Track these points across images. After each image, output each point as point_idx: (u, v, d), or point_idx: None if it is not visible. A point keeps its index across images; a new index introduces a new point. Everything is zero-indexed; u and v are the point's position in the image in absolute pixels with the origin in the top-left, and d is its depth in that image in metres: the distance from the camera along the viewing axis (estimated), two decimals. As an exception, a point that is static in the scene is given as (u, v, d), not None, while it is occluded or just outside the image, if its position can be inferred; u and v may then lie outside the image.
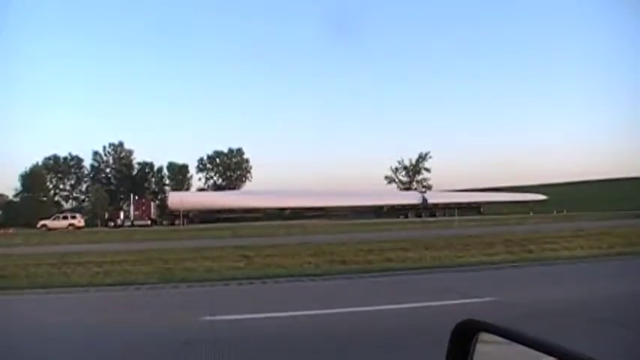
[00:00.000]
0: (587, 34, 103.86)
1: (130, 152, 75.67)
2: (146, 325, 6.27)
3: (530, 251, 13.76)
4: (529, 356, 1.08)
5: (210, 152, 77.82)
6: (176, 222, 52.03)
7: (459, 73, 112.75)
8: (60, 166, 72.78)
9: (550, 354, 1.04)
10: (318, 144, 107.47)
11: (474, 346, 1.24)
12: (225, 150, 77.87)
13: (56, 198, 72.40)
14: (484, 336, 1.23)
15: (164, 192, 69.87)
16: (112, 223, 52.95)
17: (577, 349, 1.01)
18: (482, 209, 61.91)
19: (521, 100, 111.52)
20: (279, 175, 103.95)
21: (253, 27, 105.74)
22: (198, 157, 77.39)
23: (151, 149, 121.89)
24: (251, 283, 9.73)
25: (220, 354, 4.79)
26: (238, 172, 78.13)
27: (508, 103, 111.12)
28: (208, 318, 6.37)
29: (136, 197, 58.09)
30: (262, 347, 5.11)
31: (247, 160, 78.58)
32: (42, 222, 48.77)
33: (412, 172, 78.62)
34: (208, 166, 77.70)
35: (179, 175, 74.40)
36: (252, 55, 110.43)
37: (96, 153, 74.60)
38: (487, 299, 7.09)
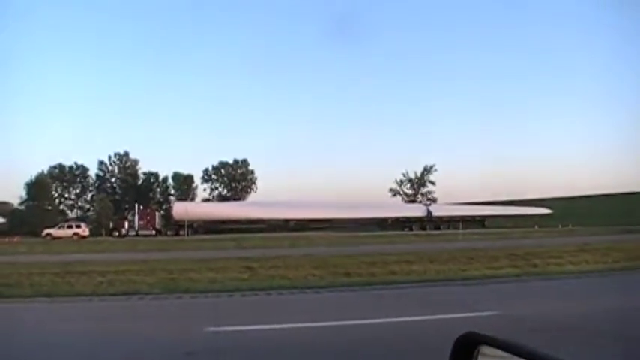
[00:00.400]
0: (595, 50, 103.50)
1: (136, 162, 75.78)
2: (149, 335, 6.27)
3: (535, 265, 13.68)
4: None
5: (215, 163, 77.70)
6: (180, 232, 51.91)
7: (466, 85, 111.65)
8: (65, 175, 72.93)
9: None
10: (323, 156, 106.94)
11: (476, 359, 1.25)
12: (231, 161, 77.80)
13: (61, 207, 72.35)
14: (485, 349, 1.24)
15: (169, 202, 69.76)
16: (117, 233, 52.82)
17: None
18: (486, 223, 61.53)
19: (528, 114, 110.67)
20: (284, 187, 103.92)
21: (258, 37, 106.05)
22: (203, 168, 77.20)
23: (157, 159, 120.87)
24: (255, 295, 9.71)
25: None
26: (243, 184, 78.08)
27: (514, 116, 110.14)
28: (212, 329, 6.36)
29: (141, 207, 58.20)
30: (265, 359, 5.10)
31: (252, 172, 78.42)
32: (47, 230, 48.78)
33: (417, 185, 78.40)
34: (213, 176, 77.63)
35: (184, 185, 74.45)
36: (257, 66, 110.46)
37: (101, 163, 74.71)
38: (491, 313, 7.06)
